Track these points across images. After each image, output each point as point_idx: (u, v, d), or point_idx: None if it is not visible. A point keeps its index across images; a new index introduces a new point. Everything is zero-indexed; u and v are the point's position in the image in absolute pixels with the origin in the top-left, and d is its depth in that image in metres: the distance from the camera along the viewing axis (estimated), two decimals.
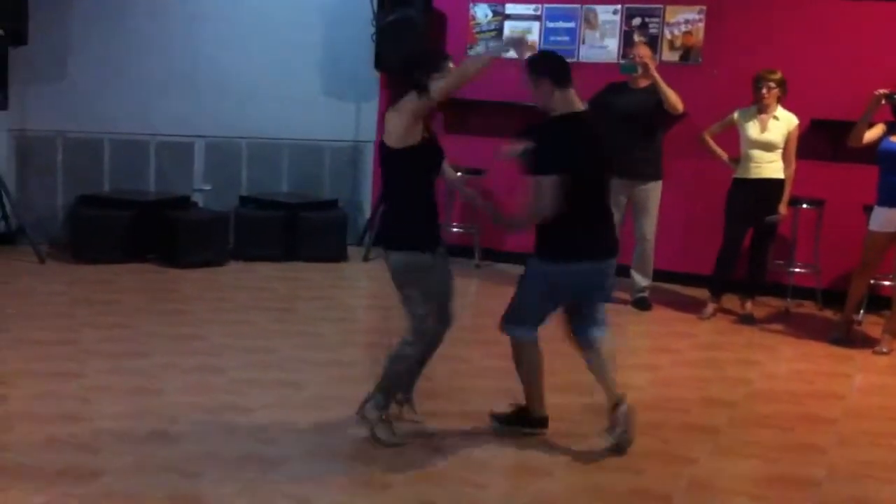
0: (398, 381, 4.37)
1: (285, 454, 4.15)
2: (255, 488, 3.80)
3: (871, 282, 6.80)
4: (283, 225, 8.28)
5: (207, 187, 8.64)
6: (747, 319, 7.00)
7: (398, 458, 4.18)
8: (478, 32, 8.70)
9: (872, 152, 6.34)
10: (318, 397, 4.90)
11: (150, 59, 8.34)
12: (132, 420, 4.43)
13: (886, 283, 7.06)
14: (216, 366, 5.32)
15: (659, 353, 6.25)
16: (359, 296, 7.94)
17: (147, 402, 4.68)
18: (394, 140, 4.12)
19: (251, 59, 8.56)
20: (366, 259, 8.45)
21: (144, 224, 7.87)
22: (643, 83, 7.10)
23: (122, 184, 8.40)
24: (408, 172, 4.18)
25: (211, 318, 6.35)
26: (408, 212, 4.23)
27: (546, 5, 8.47)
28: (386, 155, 4.19)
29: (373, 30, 8.49)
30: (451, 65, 4.18)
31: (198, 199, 8.53)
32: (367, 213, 9.10)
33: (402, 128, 4.09)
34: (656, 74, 7.02)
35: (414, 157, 4.13)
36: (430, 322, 4.25)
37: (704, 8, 7.93)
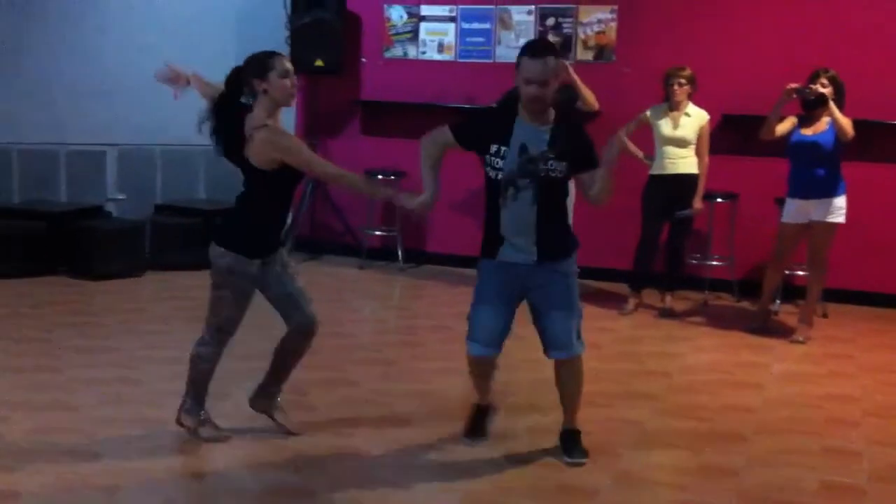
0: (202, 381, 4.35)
1: (209, 466, 4.08)
2: (179, 502, 3.73)
3: (786, 272, 6.98)
4: (201, 232, 8.13)
5: (121, 196, 8.45)
6: (667, 313, 7.11)
7: (325, 466, 4.13)
8: (393, 34, 8.68)
9: (783, 145, 6.49)
10: (239, 406, 4.82)
11: (59, 67, 8.13)
12: (48, 437, 4.30)
13: (800, 272, 7.25)
14: (133, 378, 5.20)
15: None
16: None
17: (64, 418, 4.55)
18: None
19: (163, 63, 8.37)
20: None
21: (56, 236, 7.66)
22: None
23: (32, 195, 8.17)
24: None
25: (127, 330, 6.21)
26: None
27: (461, 7, 8.49)
28: None
29: (287, 32, 8.41)
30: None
31: (112, 208, 8.34)
32: (289, 216, 8.99)
33: None
34: (573, 74, 7.11)
35: None
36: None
37: (616, 7, 8.04)
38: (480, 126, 4.24)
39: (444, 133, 4.18)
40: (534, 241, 4.05)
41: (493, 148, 4.03)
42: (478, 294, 4.21)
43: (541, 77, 3.94)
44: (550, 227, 4.08)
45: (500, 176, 4.03)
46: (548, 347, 4.21)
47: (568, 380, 4.28)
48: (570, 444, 4.30)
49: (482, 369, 4.37)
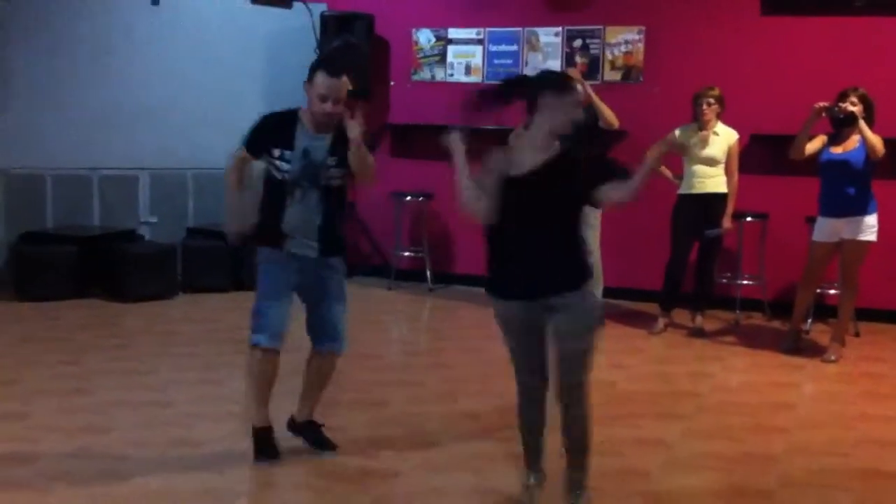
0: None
1: (240, 487, 4.10)
2: None
3: (818, 291, 6.92)
4: (232, 255, 8.20)
5: (154, 220, 8.55)
6: (698, 333, 7.06)
7: (357, 488, 4.14)
8: (421, 58, 8.74)
9: (813, 164, 6.46)
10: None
11: (91, 93, 8.23)
12: (82, 460, 4.34)
13: (832, 291, 7.19)
14: (165, 400, 5.24)
15: (611, 369, 6.26)
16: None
17: (96, 441, 4.59)
18: None
19: (194, 88, 8.50)
20: None
21: (90, 259, 7.75)
22: None
23: (66, 219, 8.28)
24: None
25: (159, 353, 6.26)
26: None
27: (488, 29, 8.53)
28: None
29: (316, 56, 8.48)
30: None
31: (144, 232, 8.43)
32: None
33: None
34: (591, 92, 7.12)
35: None
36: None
37: (643, 28, 8.05)
38: (264, 134, 4.34)
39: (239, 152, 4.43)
40: (316, 238, 4.24)
41: (277, 152, 4.23)
42: (266, 288, 4.29)
43: (337, 94, 4.14)
44: (331, 225, 4.28)
45: (285, 177, 4.21)
46: (324, 338, 4.37)
47: (329, 371, 4.46)
48: (322, 437, 4.48)
49: (270, 367, 4.34)
